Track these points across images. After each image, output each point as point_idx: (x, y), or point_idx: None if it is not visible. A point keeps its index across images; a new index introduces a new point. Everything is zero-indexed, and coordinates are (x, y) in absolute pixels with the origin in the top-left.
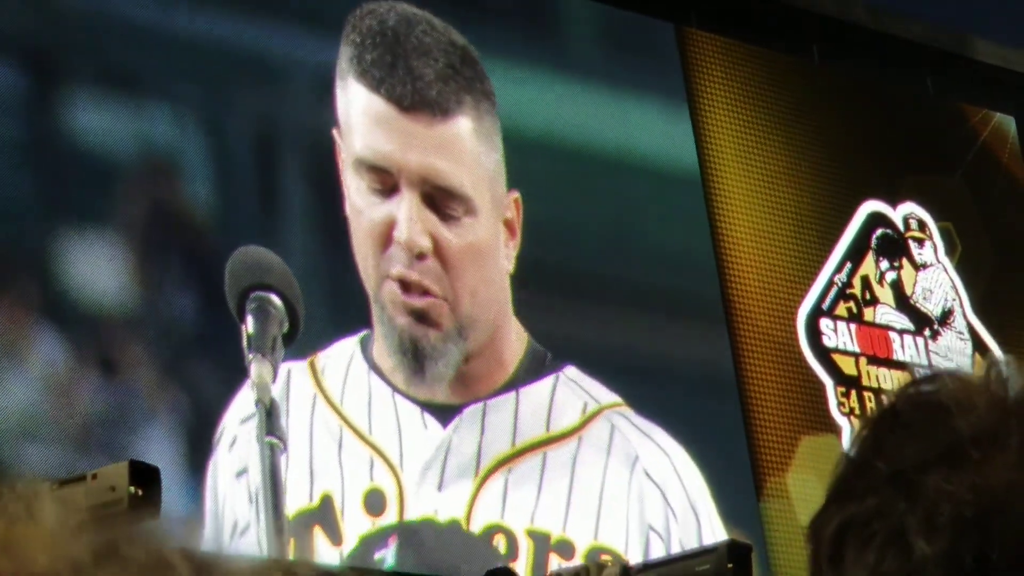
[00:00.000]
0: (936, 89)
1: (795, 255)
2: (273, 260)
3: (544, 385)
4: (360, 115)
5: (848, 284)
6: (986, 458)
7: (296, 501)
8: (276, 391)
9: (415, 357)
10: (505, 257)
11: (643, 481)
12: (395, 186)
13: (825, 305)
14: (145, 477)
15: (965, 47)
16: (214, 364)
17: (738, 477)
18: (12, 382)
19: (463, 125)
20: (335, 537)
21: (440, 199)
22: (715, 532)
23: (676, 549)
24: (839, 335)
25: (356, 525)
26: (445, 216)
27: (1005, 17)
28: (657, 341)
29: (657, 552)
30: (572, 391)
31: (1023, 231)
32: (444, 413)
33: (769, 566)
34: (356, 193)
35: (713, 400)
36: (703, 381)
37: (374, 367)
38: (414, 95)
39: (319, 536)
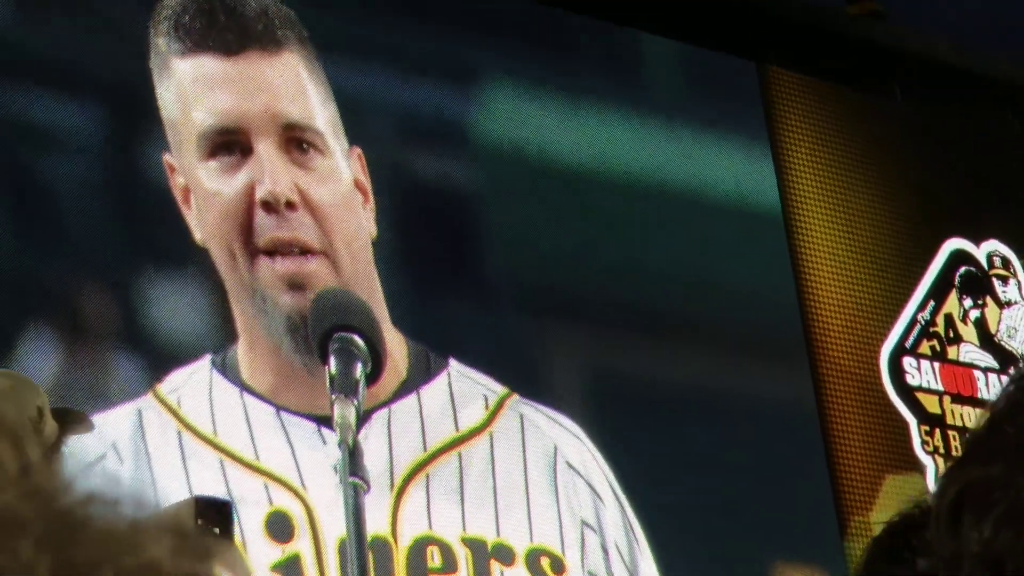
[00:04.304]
0: (1021, 126)
1: (878, 293)
2: (355, 301)
3: (440, 382)
4: (192, 85)
5: (931, 322)
6: None
7: None
8: (127, 433)
9: (305, 332)
10: (366, 219)
11: (567, 473)
12: (246, 147)
13: (908, 343)
14: (213, 512)
15: None
16: None
17: (822, 516)
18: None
19: (294, 60)
20: None
21: (296, 140)
22: (634, 516)
23: (610, 539)
24: (923, 373)
25: (262, 554)
26: (304, 161)
27: None
28: (739, 380)
29: (593, 547)
30: (468, 385)
31: None
32: None
33: None
34: (208, 179)
35: (796, 438)
36: (786, 420)
37: (246, 388)
38: (241, 36)
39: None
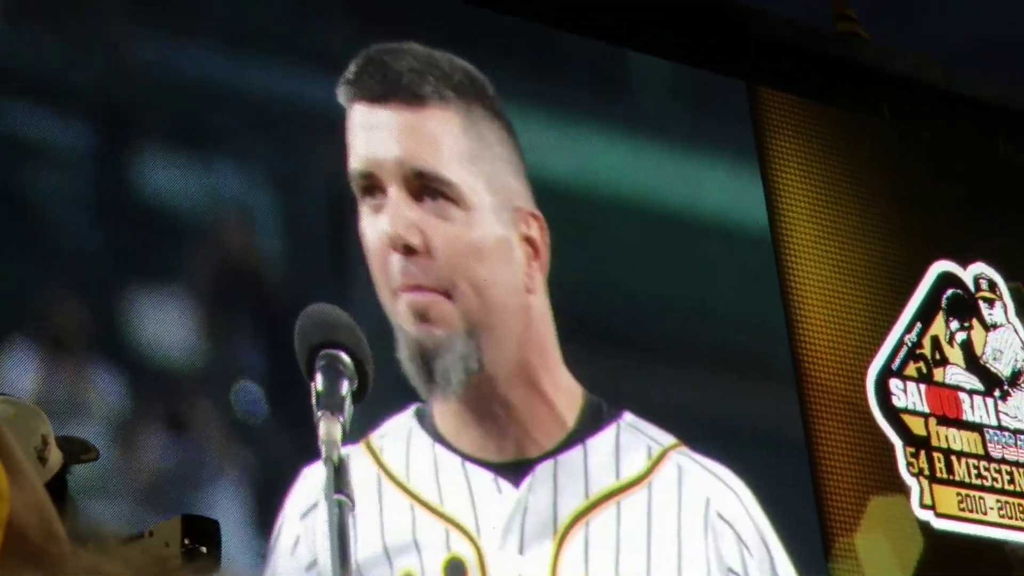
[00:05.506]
0: (1007, 148)
1: (865, 315)
2: (343, 318)
3: (608, 434)
4: (349, 133)
5: (918, 344)
6: None
7: None
8: None
9: (422, 359)
10: (526, 275)
11: (717, 523)
12: (383, 191)
13: (895, 365)
14: (200, 531)
15: None
16: (283, 421)
17: (806, 537)
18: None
19: (444, 117)
20: None
21: (424, 187)
22: (786, 564)
23: None
24: (909, 395)
25: None
26: (433, 207)
27: None
28: (726, 400)
29: None
30: (634, 436)
31: None
32: (515, 472)
33: None
34: (363, 219)
35: (782, 458)
36: (772, 440)
37: (438, 437)
38: (384, 84)
39: None
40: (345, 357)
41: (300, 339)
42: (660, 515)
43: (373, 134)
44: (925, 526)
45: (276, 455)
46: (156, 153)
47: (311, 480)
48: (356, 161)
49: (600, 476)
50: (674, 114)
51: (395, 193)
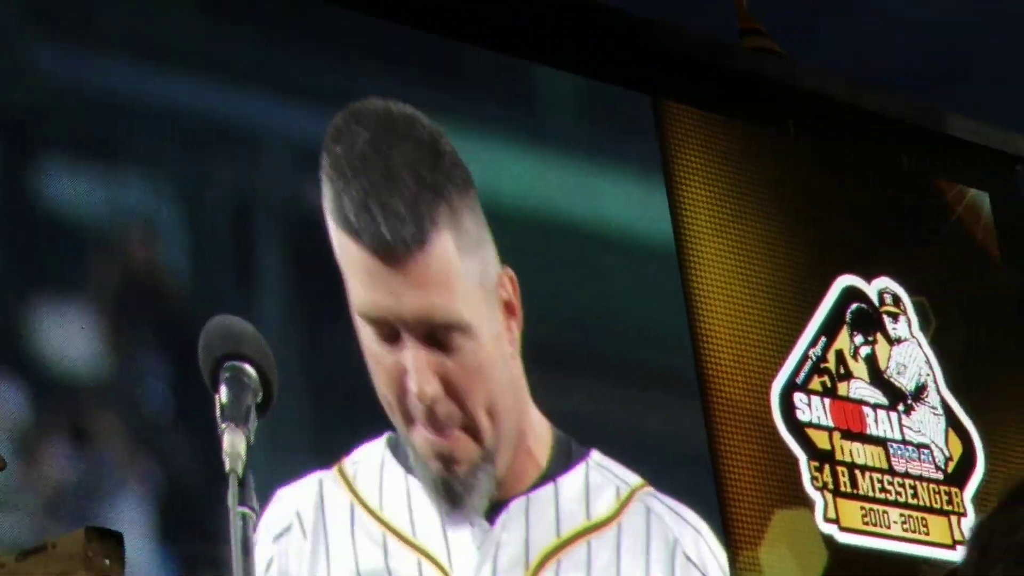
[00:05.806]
0: (911, 164)
1: (770, 329)
2: (247, 329)
3: (577, 473)
4: (348, 265)
5: (822, 358)
6: None
7: None
8: (311, 502)
9: (449, 497)
10: (509, 342)
11: (685, 566)
12: (397, 333)
13: (799, 379)
14: (104, 543)
15: (940, 122)
16: (187, 434)
17: None
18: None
19: (443, 245)
20: None
21: (440, 335)
22: None
23: None
24: (813, 409)
25: None
26: (448, 349)
27: (980, 93)
28: (630, 413)
29: None
30: (603, 476)
31: (996, 307)
32: (488, 510)
33: None
34: (367, 338)
35: (686, 472)
36: (676, 453)
37: (411, 468)
38: (393, 237)
39: None
40: (249, 369)
41: (204, 351)
42: (629, 555)
43: (379, 287)
44: (829, 540)
45: (181, 467)
46: (59, 164)
47: (286, 502)
48: (362, 305)
49: (571, 515)
50: (579, 127)
51: (409, 340)
